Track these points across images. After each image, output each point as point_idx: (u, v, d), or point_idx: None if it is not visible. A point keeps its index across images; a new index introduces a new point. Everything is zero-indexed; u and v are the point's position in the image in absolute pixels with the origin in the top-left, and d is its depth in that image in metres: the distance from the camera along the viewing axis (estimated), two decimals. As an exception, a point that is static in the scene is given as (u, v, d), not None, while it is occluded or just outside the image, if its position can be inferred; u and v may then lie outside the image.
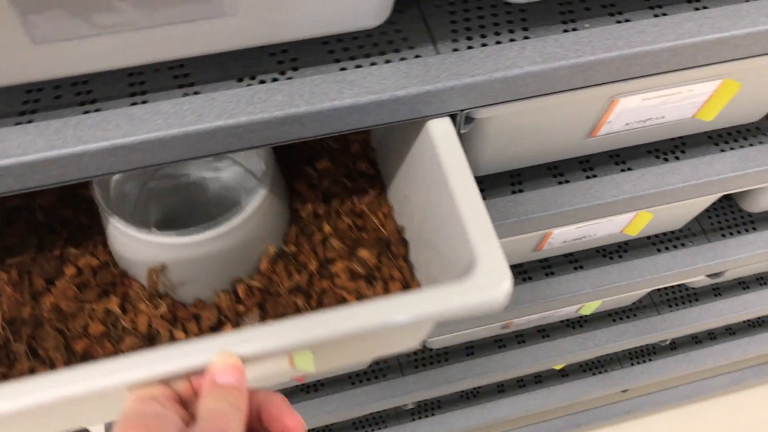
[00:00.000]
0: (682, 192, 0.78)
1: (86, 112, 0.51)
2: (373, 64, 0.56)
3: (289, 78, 0.55)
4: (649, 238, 1.05)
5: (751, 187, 0.83)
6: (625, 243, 1.05)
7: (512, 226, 0.74)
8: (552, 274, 1.01)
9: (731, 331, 1.54)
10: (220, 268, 0.65)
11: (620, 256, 1.03)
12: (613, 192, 0.76)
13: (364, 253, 0.67)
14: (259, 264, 0.67)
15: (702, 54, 0.58)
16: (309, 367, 0.53)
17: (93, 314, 0.65)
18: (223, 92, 0.52)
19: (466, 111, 0.56)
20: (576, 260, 1.03)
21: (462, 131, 0.58)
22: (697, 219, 1.07)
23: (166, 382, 0.44)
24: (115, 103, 0.52)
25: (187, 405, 0.43)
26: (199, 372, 0.44)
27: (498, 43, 0.58)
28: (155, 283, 0.65)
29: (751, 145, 0.84)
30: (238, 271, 0.67)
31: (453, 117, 0.57)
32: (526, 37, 0.59)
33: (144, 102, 0.52)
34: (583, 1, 0.62)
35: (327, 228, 0.70)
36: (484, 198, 0.77)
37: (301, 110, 0.51)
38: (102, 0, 0.43)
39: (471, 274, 0.47)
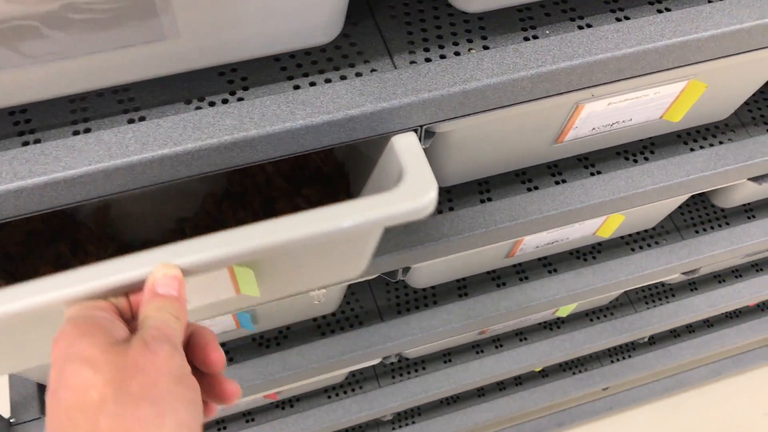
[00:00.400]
0: (652, 195, 0.76)
1: (25, 144, 0.48)
2: (327, 80, 0.54)
3: (240, 99, 0.52)
4: (623, 237, 1.04)
5: (721, 186, 0.82)
6: (599, 244, 1.04)
7: (481, 236, 0.73)
8: (526, 278, 1.00)
9: (709, 323, 1.54)
10: (163, 206, 0.65)
11: (594, 258, 1.02)
12: (581, 198, 0.75)
13: (306, 190, 0.67)
14: (205, 205, 0.67)
15: (665, 58, 0.56)
16: (253, 291, 0.55)
17: (43, 257, 0.64)
18: (169, 117, 0.49)
19: (426, 126, 0.54)
20: (550, 263, 1.02)
21: (423, 146, 0.56)
22: (671, 216, 1.06)
23: (105, 297, 0.44)
24: (55, 132, 0.50)
25: (126, 322, 0.43)
26: (139, 286, 0.44)
27: (457, 54, 0.56)
28: (102, 223, 0.64)
29: (720, 143, 0.83)
30: (184, 211, 0.67)
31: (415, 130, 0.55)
32: (485, 47, 0.57)
33: (87, 130, 0.50)
34: (543, 6, 0.60)
35: (270, 168, 0.70)
36: (452, 209, 0.75)
37: (252, 134, 0.48)
38: (30, 30, 0.40)
39: (400, 185, 0.49)
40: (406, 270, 0.75)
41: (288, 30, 0.47)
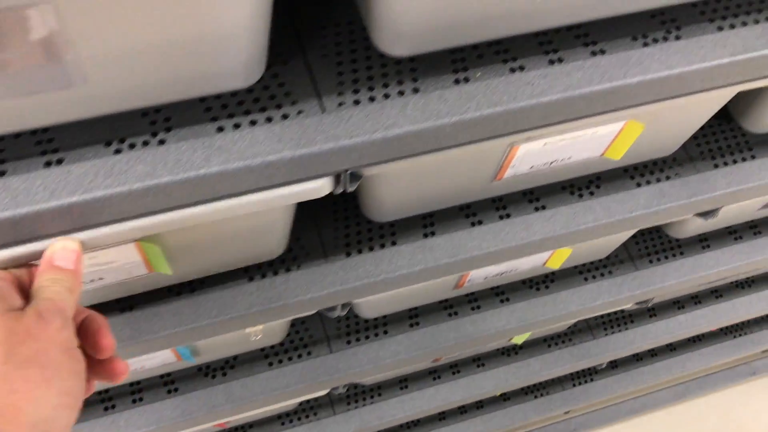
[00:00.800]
0: (593, 232, 0.76)
1: (-67, 188, 0.47)
2: (252, 122, 0.53)
3: (162, 141, 0.52)
4: (576, 267, 1.04)
5: (666, 222, 0.82)
6: (552, 273, 1.03)
7: (420, 273, 0.72)
8: (478, 308, 0.99)
9: (672, 347, 1.54)
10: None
11: (547, 287, 1.02)
12: (522, 234, 0.74)
13: None
14: None
15: (593, 104, 0.56)
16: (164, 268, 0.59)
17: None
18: (81, 163, 0.48)
19: (350, 170, 0.54)
20: (503, 292, 1.01)
21: (349, 189, 0.55)
22: (625, 245, 1.06)
23: (6, 267, 0.46)
24: (-33, 176, 0.49)
25: (24, 292, 0.45)
26: (40, 257, 0.46)
27: (386, 96, 0.56)
28: None
29: (667, 177, 0.82)
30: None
31: (337, 175, 0.54)
32: (415, 89, 0.56)
33: (1, 173, 0.49)
34: (476, 47, 0.60)
35: None
36: (394, 243, 0.74)
37: (164, 180, 0.48)
38: None
39: None
40: (346, 305, 0.75)
41: (201, 75, 0.47)
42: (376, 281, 0.70)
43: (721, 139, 0.88)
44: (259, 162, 0.49)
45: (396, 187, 0.65)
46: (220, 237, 0.62)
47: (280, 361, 0.92)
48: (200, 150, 0.49)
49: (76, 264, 0.47)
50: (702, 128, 0.87)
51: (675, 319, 1.28)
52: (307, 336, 0.95)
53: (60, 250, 0.46)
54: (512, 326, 0.95)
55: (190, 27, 0.42)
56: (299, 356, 0.93)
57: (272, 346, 0.93)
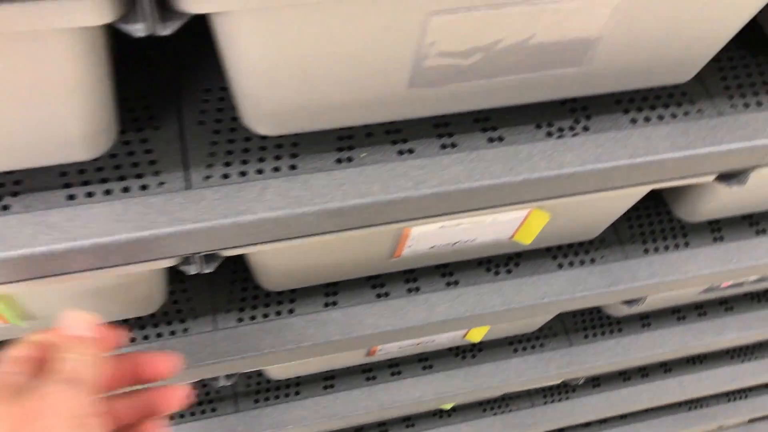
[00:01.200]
0: (500, 316, 0.73)
1: None
2: (107, 192, 0.50)
3: (5, 207, 0.48)
4: (507, 337, 1.00)
5: (581, 308, 0.78)
6: (481, 342, 0.99)
7: (311, 349, 0.68)
8: (399, 374, 0.95)
9: (622, 415, 1.50)
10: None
11: (474, 356, 0.98)
12: (424, 315, 0.71)
13: None
14: None
15: (470, 200, 0.52)
16: (17, 321, 0.57)
17: None
18: None
19: (202, 253, 0.50)
20: (426, 359, 0.97)
21: (205, 270, 0.52)
22: (561, 317, 1.02)
23: None
24: None
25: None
26: None
27: (260, 172, 0.52)
28: None
29: (592, 260, 0.79)
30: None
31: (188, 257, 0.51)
32: (293, 167, 0.53)
33: None
34: (366, 125, 0.56)
35: None
36: (291, 311, 0.71)
37: (-19, 258, 0.44)
38: None
39: None
40: (231, 376, 0.71)
41: (31, 147, 0.43)
42: (260, 355, 0.67)
43: (656, 222, 0.84)
44: (90, 243, 0.46)
45: (279, 262, 0.61)
46: (77, 294, 0.58)
47: (182, 416, 0.88)
48: (30, 226, 0.46)
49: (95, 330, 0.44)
50: (636, 208, 0.83)
51: (619, 392, 1.23)
52: (214, 392, 0.91)
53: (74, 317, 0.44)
54: (429, 398, 0.91)
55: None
56: (203, 412, 0.89)
57: (176, 400, 0.89)
